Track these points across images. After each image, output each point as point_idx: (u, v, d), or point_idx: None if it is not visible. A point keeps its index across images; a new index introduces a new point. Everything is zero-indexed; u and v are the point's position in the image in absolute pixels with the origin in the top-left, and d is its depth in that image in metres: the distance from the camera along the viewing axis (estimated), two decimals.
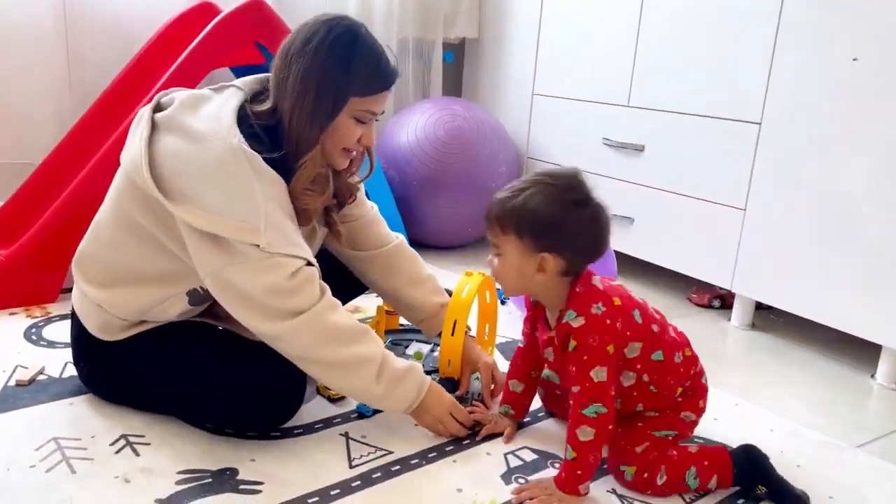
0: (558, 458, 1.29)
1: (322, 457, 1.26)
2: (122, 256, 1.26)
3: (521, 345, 1.37)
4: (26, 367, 1.50)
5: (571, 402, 1.16)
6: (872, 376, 1.83)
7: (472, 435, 1.35)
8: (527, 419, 1.42)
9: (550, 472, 1.24)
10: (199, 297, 1.27)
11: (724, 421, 1.51)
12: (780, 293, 1.97)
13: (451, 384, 1.46)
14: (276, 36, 2.00)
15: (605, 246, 1.21)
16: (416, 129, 2.52)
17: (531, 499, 1.16)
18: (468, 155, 2.49)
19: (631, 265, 2.44)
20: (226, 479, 1.17)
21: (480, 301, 1.61)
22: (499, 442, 1.35)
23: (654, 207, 2.28)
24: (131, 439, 1.26)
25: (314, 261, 1.23)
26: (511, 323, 1.94)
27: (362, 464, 1.25)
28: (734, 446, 1.28)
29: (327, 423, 1.37)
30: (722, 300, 2.26)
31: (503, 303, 2.05)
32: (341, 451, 1.28)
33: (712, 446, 1.30)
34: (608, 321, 1.16)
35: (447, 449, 1.31)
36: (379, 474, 1.22)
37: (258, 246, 1.14)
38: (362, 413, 1.39)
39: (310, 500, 1.14)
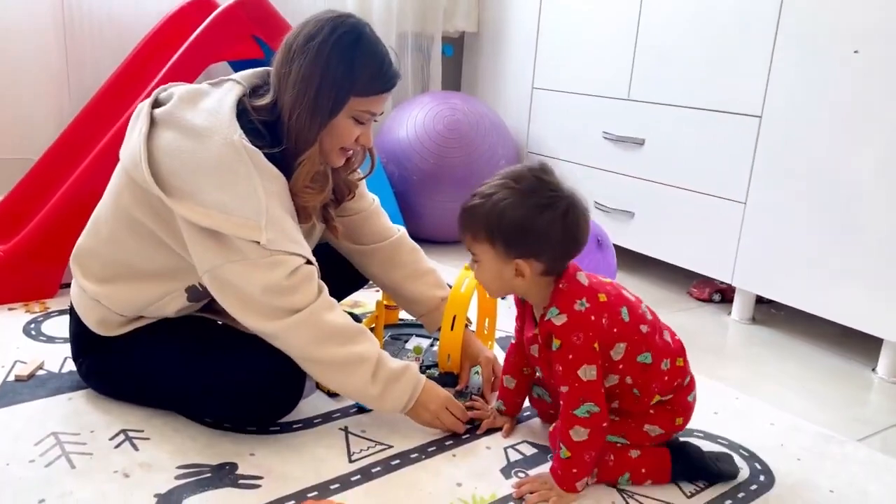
0: None
1: (321, 451, 1.26)
2: (121, 252, 1.26)
3: (513, 341, 1.37)
4: (25, 362, 1.50)
5: (562, 401, 1.14)
6: (873, 370, 1.83)
7: (471, 429, 1.35)
8: (526, 413, 1.42)
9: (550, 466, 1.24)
10: (198, 293, 1.27)
11: (724, 415, 1.50)
12: (781, 287, 1.97)
13: (450, 379, 1.46)
14: (274, 30, 2.01)
15: (581, 240, 1.15)
16: (416, 124, 2.51)
17: (531, 492, 1.16)
18: (467, 149, 2.48)
19: (631, 259, 2.44)
20: (225, 474, 1.17)
21: (480, 295, 1.60)
22: (498, 436, 1.34)
23: (655, 201, 2.28)
24: (130, 434, 1.26)
25: (313, 259, 1.22)
26: (510, 317, 1.93)
27: (362, 458, 1.24)
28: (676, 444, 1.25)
29: (326, 417, 1.37)
30: (722, 294, 2.25)
31: (503, 297, 2.05)
32: (341, 446, 1.28)
33: (656, 450, 1.22)
34: (592, 317, 1.13)
35: (447, 443, 1.30)
36: (378, 468, 1.22)
37: (258, 243, 1.13)
38: (361, 408, 1.39)
39: (309, 495, 1.14)
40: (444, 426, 1.31)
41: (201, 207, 1.13)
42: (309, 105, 1.20)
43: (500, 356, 1.60)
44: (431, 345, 1.66)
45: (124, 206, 1.22)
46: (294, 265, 1.17)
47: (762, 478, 1.29)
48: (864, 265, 1.77)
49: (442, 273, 1.59)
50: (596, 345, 1.13)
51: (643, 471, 1.21)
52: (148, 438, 1.25)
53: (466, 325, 1.49)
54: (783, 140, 1.92)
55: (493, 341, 1.67)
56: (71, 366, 1.43)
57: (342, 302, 1.74)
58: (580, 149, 2.52)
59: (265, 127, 1.23)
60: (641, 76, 2.29)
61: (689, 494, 1.22)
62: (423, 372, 1.51)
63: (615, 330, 1.15)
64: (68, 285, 1.38)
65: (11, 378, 1.43)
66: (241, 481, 1.16)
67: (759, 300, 2.15)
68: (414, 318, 1.61)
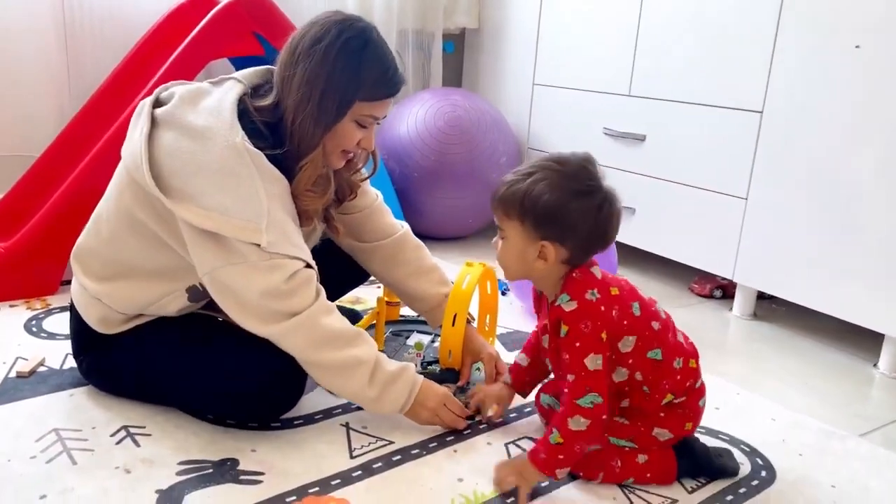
0: None
1: (323, 447, 1.26)
2: (121, 251, 1.26)
3: (536, 329, 1.34)
4: (27, 359, 1.50)
5: (566, 389, 1.13)
6: (874, 365, 1.83)
7: (471, 425, 1.35)
8: (527, 409, 1.42)
9: None
10: (199, 294, 1.27)
11: (725, 411, 1.50)
12: (782, 283, 1.97)
13: (452, 375, 1.46)
14: (275, 27, 2.01)
15: (610, 237, 1.17)
16: (417, 121, 2.51)
17: (503, 478, 1.15)
18: (468, 146, 2.48)
19: (632, 255, 2.43)
20: (227, 470, 1.17)
21: (481, 292, 1.61)
22: (500, 432, 1.34)
23: (656, 197, 2.27)
24: (132, 430, 1.26)
25: (313, 263, 1.22)
26: (512, 314, 1.94)
27: (363, 454, 1.25)
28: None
29: (327, 413, 1.37)
30: (723, 290, 2.25)
31: (504, 293, 2.05)
32: (342, 442, 1.28)
33: (664, 454, 1.22)
34: (602, 308, 1.13)
35: (448, 439, 1.30)
36: (380, 464, 1.22)
37: (259, 245, 1.13)
38: None
39: (310, 491, 1.14)
40: (444, 423, 1.31)
41: (201, 209, 1.12)
42: (313, 109, 1.20)
43: (502, 352, 1.60)
44: (433, 341, 1.66)
45: (126, 205, 1.22)
46: (293, 269, 1.17)
47: (763, 473, 1.29)
48: (865, 261, 1.77)
49: (443, 270, 1.59)
50: (604, 334, 1.13)
51: (648, 475, 1.21)
52: (149, 434, 1.25)
53: (468, 322, 1.49)
54: (784, 136, 1.92)
55: (495, 337, 1.67)
56: (72, 362, 1.43)
57: (343, 298, 1.74)
58: (581, 145, 2.48)
59: (267, 128, 1.22)
60: (642, 72, 2.28)
61: (690, 490, 1.22)
62: (424, 368, 1.51)
63: (625, 322, 1.15)
64: (69, 282, 1.38)
65: (13, 374, 1.44)
66: (242, 477, 1.16)
67: (761, 296, 2.15)
68: (415, 315, 1.62)
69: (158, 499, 1.09)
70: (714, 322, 2.07)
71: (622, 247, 2.22)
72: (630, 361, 1.17)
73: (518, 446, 1.31)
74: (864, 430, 1.50)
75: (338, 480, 1.17)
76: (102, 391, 1.37)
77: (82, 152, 1.97)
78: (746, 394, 1.60)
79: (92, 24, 2.22)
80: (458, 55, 3.09)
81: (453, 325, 1.43)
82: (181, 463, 1.18)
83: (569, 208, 1.12)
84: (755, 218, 2.01)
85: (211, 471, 1.17)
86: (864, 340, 1.91)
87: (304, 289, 1.19)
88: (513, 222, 1.15)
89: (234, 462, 1.19)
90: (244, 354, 1.25)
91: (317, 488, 1.14)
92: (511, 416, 1.41)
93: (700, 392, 1.24)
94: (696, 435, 1.28)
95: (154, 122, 1.19)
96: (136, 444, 1.23)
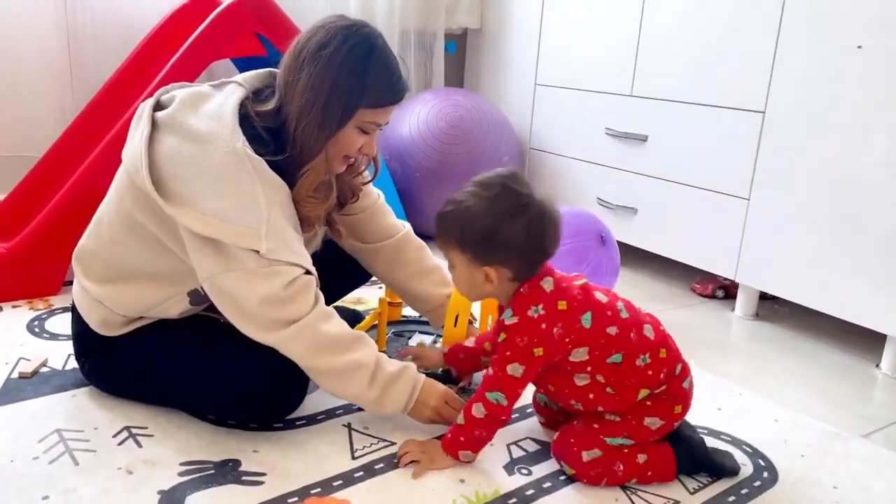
0: None
1: (324, 448, 1.26)
2: (122, 254, 1.26)
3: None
4: (29, 360, 1.50)
5: (482, 381, 1.18)
6: (877, 366, 1.83)
7: None
8: (528, 410, 1.42)
9: (553, 463, 1.24)
10: (200, 297, 1.27)
11: (727, 411, 1.50)
12: (784, 283, 1.97)
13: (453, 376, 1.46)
14: (277, 27, 2.01)
15: (548, 248, 1.17)
16: (419, 121, 2.51)
17: (406, 453, 1.21)
18: (470, 146, 2.48)
19: (634, 255, 2.43)
20: (228, 471, 1.17)
21: None
22: (502, 432, 1.34)
23: (658, 197, 2.27)
24: (134, 431, 1.26)
25: (313, 269, 1.21)
26: None
27: (365, 455, 1.25)
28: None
29: (329, 414, 1.37)
30: (725, 290, 2.25)
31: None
32: (344, 442, 1.28)
33: (660, 450, 1.23)
34: (543, 325, 1.14)
35: None
36: (381, 465, 1.22)
37: (258, 252, 1.13)
38: None
39: (312, 491, 1.14)
40: (446, 421, 1.31)
41: (201, 215, 1.12)
42: (317, 115, 1.19)
43: None
44: (434, 341, 1.66)
45: (126, 208, 1.21)
46: (292, 276, 1.16)
47: (765, 474, 1.28)
48: (868, 261, 1.77)
49: (445, 270, 1.58)
50: (538, 350, 1.14)
51: (649, 473, 1.21)
52: (151, 435, 1.26)
53: (470, 322, 1.49)
54: (787, 136, 1.91)
55: None
56: (74, 363, 1.43)
57: (345, 298, 1.74)
58: (583, 145, 2.51)
59: (268, 133, 1.21)
60: (644, 72, 2.28)
61: (692, 491, 1.22)
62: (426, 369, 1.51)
63: (569, 339, 1.15)
64: (71, 283, 1.38)
65: (15, 375, 1.44)
66: (244, 478, 1.16)
67: (763, 296, 2.15)
68: (417, 315, 1.62)
69: (160, 499, 1.09)
70: (716, 322, 2.07)
71: (624, 247, 2.22)
72: (589, 369, 1.18)
73: (520, 447, 1.31)
74: (866, 430, 1.50)
75: (340, 481, 1.17)
76: (104, 392, 1.37)
77: (84, 153, 1.97)
78: (748, 394, 1.59)
79: (94, 24, 2.23)
80: (460, 55, 3.09)
81: (455, 325, 1.43)
82: (183, 464, 1.18)
83: (500, 232, 1.13)
84: (757, 218, 2.01)
85: (213, 471, 1.17)
86: (867, 341, 1.91)
87: (303, 295, 1.18)
88: (455, 252, 1.18)
89: (236, 463, 1.19)
90: (246, 356, 1.25)
91: (319, 489, 1.14)
92: (514, 416, 1.41)
93: (682, 376, 1.23)
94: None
95: (155, 125, 1.19)
96: (138, 444, 1.23)
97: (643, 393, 1.19)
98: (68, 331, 1.43)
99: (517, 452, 1.29)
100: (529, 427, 1.38)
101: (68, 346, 1.50)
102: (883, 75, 1.70)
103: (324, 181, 1.25)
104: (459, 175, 2.50)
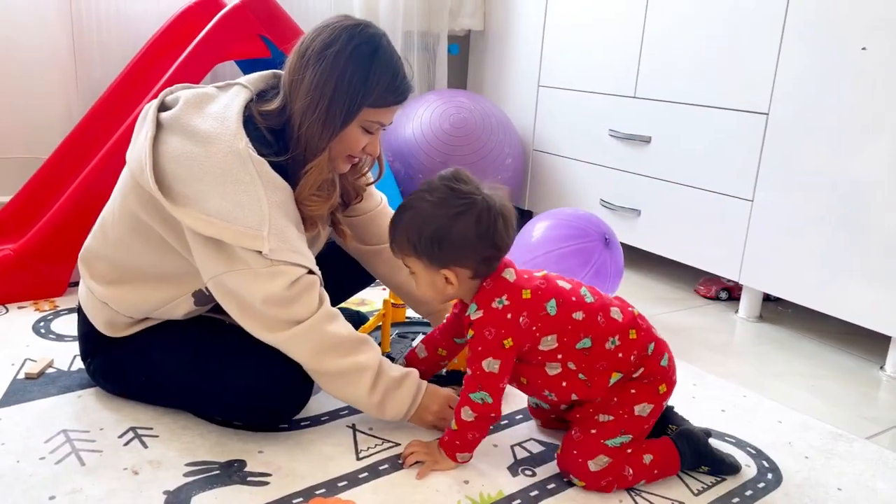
0: None
1: (329, 449, 1.26)
2: (128, 255, 1.26)
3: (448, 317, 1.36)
4: (35, 361, 1.51)
5: (464, 383, 1.18)
6: (881, 368, 1.82)
7: None
8: None
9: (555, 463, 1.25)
10: (205, 298, 1.27)
11: (731, 413, 1.50)
12: (788, 285, 1.97)
13: (457, 376, 1.46)
14: (282, 29, 2.01)
15: (500, 242, 1.16)
16: (422, 122, 2.51)
17: (410, 454, 1.22)
18: (474, 147, 2.48)
19: (638, 257, 2.43)
20: (234, 471, 1.18)
21: None
22: (506, 434, 1.35)
23: (661, 199, 2.27)
24: (140, 432, 1.27)
25: (316, 269, 1.22)
26: None
27: (369, 455, 1.25)
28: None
29: (334, 415, 1.37)
30: (729, 292, 2.25)
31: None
32: (348, 443, 1.28)
33: (665, 448, 1.23)
34: (508, 315, 1.15)
35: None
36: (386, 466, 1.22)
37: (260, 252, 1.13)
38: None
39: (317, 492, 1.14)
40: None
41: (204, 215, 1.12)
42: (321, 114, 1.20)
43: None
44: None
45: (131, 208, 1.22)
46: (295, 276, 1.17)
47: (770, 475, 1.29)
48: (872, 262, 1.77)
49: None
50: (507, 342, 1.15)
51: (656, 472, 1.22)
52: (157, 436, 1.26)
53: None
54: (790, 138, 1.91)
55: None
56: (80, 364, 1.43)
57: (349, 300, 1.75)
58: (586, 146, 2.51)
59: (272, 133, 1.22)
60: (648, 74, 2.28)
61: (696, 492, 1.22)
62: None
63: (535, 327, 1.16)
64: (77, 284, 1.39)
65: (21, 376, 1.44)
66: (249, 479, 1.16)
67: (767, 298, 2.15)
68: (421, 317, 1.62)
69: (166, 500, 1.09)
70: (720, 324, 2.07)
71: (628, 248, 2.22)
72: (559, 356, 1.18)
73: (524, 448, 1.31)
74: (870, 432, 1.50)
75: (344, 482, 1.17)
76: (110, 393, 1.38)
77: (90, 155, 1.98)
78: (753, 396, 1.59)
79: (99, 27, 2.23)
80: (463, 57, 3.09)
81: None
82: (189, 464, 1.19)
83: (450, 234, 1.14)
84: (761, 220, 2.01)
85: (218, 472, 1.17)
86: (871, 343, 1.91)
87: (307, 295, 1.19)
88: (412, 260, 1.19)
89: (242, 463, 1.20)
90: (250, 358, 1.25)
91: (323, 490, 1.15)
92: (517, 418, 1.41)
93: (656, 354, 1.21)
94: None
95: (159, 125, 1.19)
96: (144, 445, 1.23)
97: (615, 377, 1.19)
98: (74, 332, 1.43)
99: (521, 454, 1.29)
100: (532, 428, 1.38)
101: (74, 347, 1.51)
102: (887, 77, 1.70)
103: (327, 180, 1.26)
104: None
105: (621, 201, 2.39)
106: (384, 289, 1.79)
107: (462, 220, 1.14)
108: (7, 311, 1.78)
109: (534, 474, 1.23)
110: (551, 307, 1.17)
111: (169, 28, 2.19)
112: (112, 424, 1.29)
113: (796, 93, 1.89)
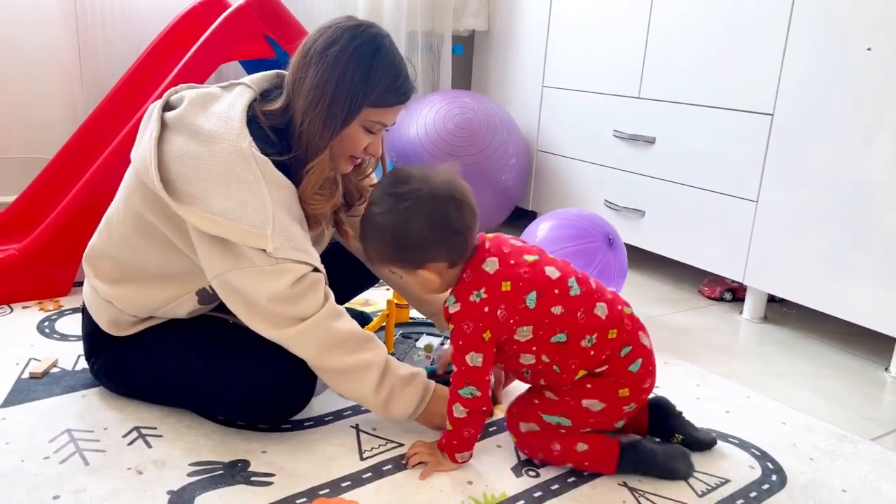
0: None
1: (333, 449, 1.26)
2: (133, 254, 1.26)
3: None
4: (39, 360, 1.51)
5: (451, 380, 1.18)
6: (886, 369, 1.82)
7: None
8: None
9: (561, 466, 1.24)
10: (209, 296, 1.28)
11: (735, 414, 1.50)
12: (793, 286, 1.96)
13: None
14: (286, 29, 2.02)
15: (460, 224, 1.15)
16: (426, 123, 2.51)
17: (414, 454, 1.22)
18: (478, 147, 2.48)
19: (642, 258, 2.43)
20: (238, 471, 1.18)
21: None
22: (510, 435, 1.34)
23: (665, 200, 2.27)
24: (144, 431, 1.27)
25: (321, 266, 1.22)
26: None
27: (373, 456, 1.25)
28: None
29: (338, 415, 1.37)
30: (733, 293, 2.24)
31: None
32: (352, 444, 1.28)
33: (606, 446, 1.22)
34: (486, 309, 1.15)
35: None
36: (390, 466, 1.22)
37: (265, 251, 1.13)
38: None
39: (321, 492, 1.14)
40: None
41: (209, 214, 1.13)
42: (322, 112, 1.20)
43: None
44: (442, 343, 1.66)
45: (135, 207, 1.22)
46: (299, 273, 1.17)
47: (774, 477, 1.28)
48: (876, 263, 1.76)
49: None
50: (486, 334, 1.15)
51: (586, 463, 1.22)
52: (161, 436, 1.26)
53: None
54: (795, 138, 1.91)
55: None
56: (84, 363, 1.44)
57: (353, 300, 1.75)
58: (590, 147, 2.51)
59: (275, 133, 1.22)
60: (652, 74, 2.28)
61: (700, 493, 1.21)
62: (446, 374, 1.51)
63: (513, 320, 1.15)
64: (81, 284, 1.39)
65: (26, 376, 1.45)
66: (253, 479, 1.16)
67: (771, 299, 2.14)
68: (425, 317, 1.62)
69: (170, 499, 1.10)
70: (724, 325, 2.06)
71: (632, 249, 2.22)
72: (533, 348, 1.18)
73: None
74: (875, 433, 1.49)
75: (348, 482, 1.17)
76: (114, 392, 1.38)
77: (95, 154, 1.99)
78: (757, 397, 1.59)
79: (104, 27, 2.24)
80: (468, 57, 3.09)
81: None
82: (192, 464, 1.19)
83: (408, 237, 1.15)
84: (766, 221, 2.00)
85: (222, 472, 1.17)
86: (876, 344, 1.90)
87: (312, 293, 1.19)
88: (394, 267, 1.21)
89: (245, 463, 1.20)
90: (254, 357, 1.25)
91: (327, 490, 1.15)
92: None
93: (629, 358, 1.19)
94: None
95: (164, 125, 1.20)
96: (148, 445, 1.23)
97: (581, 373, 1.19)
98: (78, 331, 1.44)
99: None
100: None
101: (78, 347, 1.51)
102: (892, 77, 1.70)
103: (329, 178, 1.26)
104: (467, 177, 2.50)
105: (625, 202, 2.39)
106: (388, 289, 1.80)
107: (413, 220, 1.14)
108: (11, 310, 1.78)
109: (537, 475, 1.23)
110: (531, 300, 1.16)
111: (173, 28, 2.20)
112: (116, 424, 1.29)
113: (801, 93, 1.89)
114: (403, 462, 1.23)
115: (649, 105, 2.29)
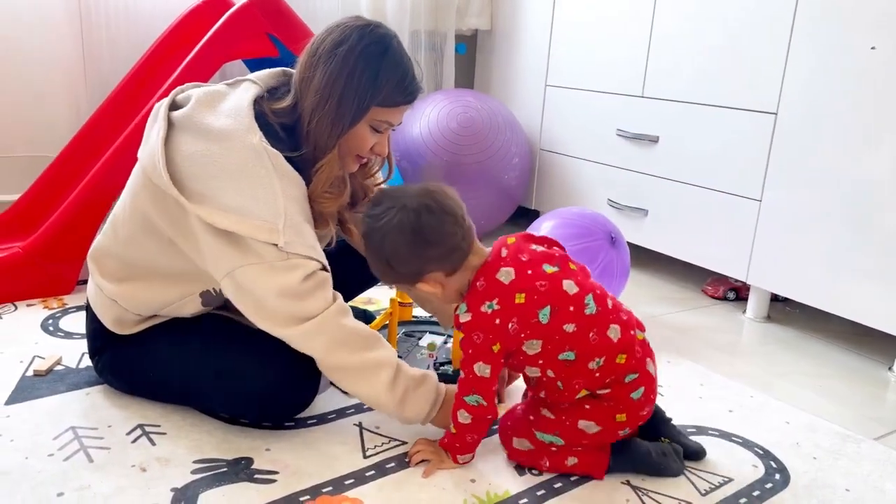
0: None
1: (336, 447, 1.26)
2: (138, 253, 1.27)
3: None
4: (44, 358, 1.51)
5: (458, 385, 1.18)
6: (890, 369, 1.82)
7: None
8: None
9: None
10: (213, 298, 1.28)
11: (738, 413, 1.50)
12: (796, 285, 1.96)
13: None
14: (289, 28, 2.02)
15: (437, 235, 1.14)
16: (429, 122, 2.51)
17: (417, 452, 1.23)
18: (481, 146, 2.48)
19: (645, 257, 2.43)
20: (241, 469, 1.18)
21: None
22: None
23: (669, 199, 2.27)
24: (147, 429, 1.28)
25: (328, 266, 1.22)
26: None
27: (376, 454, 1.25)
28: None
29: (341, 413, 1.37)
30: (737, 292, 2.24)
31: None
32: (355, 442, 1.29)
33: (593, 456, 1.21)
34: (497, 321, 1.13)
35: None
36: (393, 464, 1.22)
37: (276, 245, 1.13)
38: None
39: (324, 490, 1.14)
40: None
41: (220, 210, 1.13)
42: (330, 111, 1.20)
43: None
44: (445, 342, 1.67)
45: (141, 207, 1.22)
46: (310, 269, 1.17)
47: (777, 476, 1.28)
48: (880, 263, 1.76)
49: None
50: (496, 346, 1.14)
51: (575, 471, 1.22)
52: (164, 433, 1.27)
53: None
54: (799, 137, 1.91)
55: None
56: (88, 361, 1.44)
57: (356, 298, 1.75)
58: (594, 146, 2.51)
59: (284, 130, 1.23)
60: (656, 73, 2.28)
61: (703, 492, 1.21)
62: (436, 369, 1.52)
63: (524, 334, 1.14)
64: (85, 282, 1.39)
65: (30, 373, 1.45)
66: (256, 476, 1.16)
67: (775, 298, 2.14)
68: (428, 315, 1.62)
69: (174, 497, 1.10)
70: (727, 324, 2.06)
71: (635, 248, 2.21)
72: (540, 362, 1.17)
73: None
74: (878, 433, 1.49)
75: (351, 480, 1.17)
76: (118, 390, 1.38)
77: (98, 153, 1.99)
78: (760, 396, 1.59)
79: (108, 25, 2.24)
80: (471, 56, 3.09)
81: None
82: (196, 462, 1.19)
83: (390, 255, 1.16)
84: (769, 220, 2.00)
85: (225, 470, 1.18)
86: (879, 343, 1.90)
87: (322, 290, 1.19)
88: (398, 285, 1.22)
89: (249, 461, 1.20)
90: (257, 355, 1.25)
91: (330, 488, 1.15)
92: None
93: (631, 386, 1.18)
94: (709, 438, 1.28)
95: (171, 124, 1.20)
96: (152, 442, 1.24)
97: (582, 392, 1.19)
98: (82, 329, 1.44)
99: None
100: None
101: (82, 345, 1.52)
102: None
103: (338, 177, 1.26)
104: (469, 176, 2.53)
105: (628, 201, 2.39)
106: (391, 287, 1.79)
107: (387, 239, 1.14)
108: (16, 308, 1.79)
109: (540, 473, 1.23)
110: (544, 315, 1.14)
111: (177, 26, 2.20)
112: (120, 421, 1.29)
113: (805, 92, 1.88)
114: (406, 460, 1.23)
115: (653, 104, 2.29)
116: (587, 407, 1.19)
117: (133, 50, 2.22)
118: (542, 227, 1.93)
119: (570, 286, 1.16)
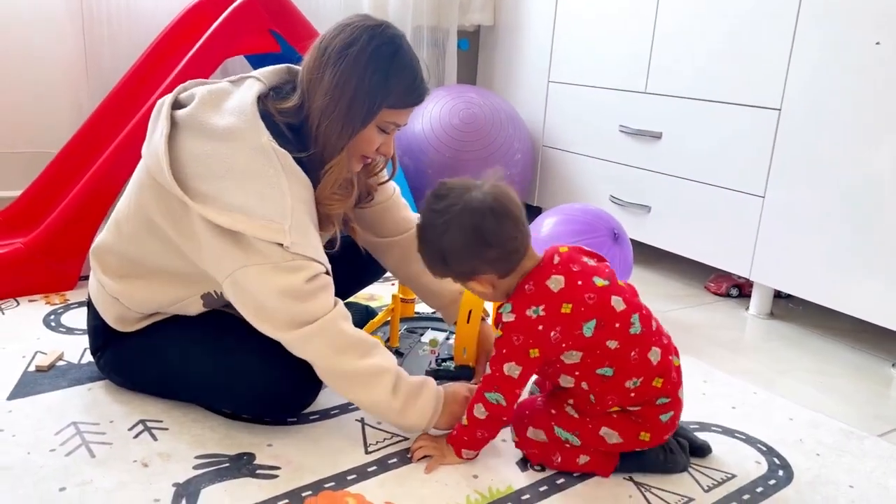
0: None
1: (338, 442, 1.26)
2: (140, 250, 1.26)
3: None
4: (45, 353, 1.51)
5: (482, 380, 1.18)
6: (893, 365, 1.81)
7: None
8: None
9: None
10: (214, 300, 1.27)
11: (742, 410, 1.50)
12: (799, 281, 1.95)
13: (466, 372, 1.46)
14: (292, 24, 2.02)
15: (498, 238, 1.12)
16: (431, 118, 2.51)
17: (419, 448, 1.22)
18: (483, 143, 2.48)
19: (648, 253, 2.42)
20: (243, 464, 1.18)
21: None
22: (512, 431, 1.34)
23: (672, 195, 2.26)
24: (149, 424, 1.27)
25: (331, 271, 1.21)
26: None
27: (378, 449, 1.25)
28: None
29: (343, 408, 1.37)
30: (740, 289, 2.24)
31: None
32: (357, 437, 1.28)
33: (606, 462, 1.21)
34: (540, 327, 1.11)
35: None
36: (395, 460, 1.22)
37: (282, 245, 1.12)
38: None
39: (326, 485, 1.14)
40: None
41: (225, 209, 1.12)
42: (341, 114, 1.19)
43: None
44: (447, 338, 1.66)
45: (144, 205, 1.21)
46: (314, 271, 1.16)
47: (781, 473, 1.28)
48: (884, 259, 1.75)
49: None
50: (534, 352, 1.13)
51: (582, 471, 1.22)
52: (167, 429, 1.26)
53: (483, 319, 1.49)
54: (802, 133, 1.90)
55: None
56: (90, 357, 1.44)
57: (358, 294, 1.75)
58: (596, 142, 2.50)
59: (290, 130, 1.22)
60: (659, 69, 2.27)
61: (706, 488, 1.21)
62: (439, 365, 1.51)
63: (565, 344, 1.13)
64: (87, 277, 1.39)
65: (32, 369, 1.45)
66: (258, 471, 1.16)
67: (778, 295, 2.14)
68: (430, 311, 1.61)
69: (175, 492, 1.10)
70: (730, 321, 2.06)
71: (637, 245, 2.21)
72: (576, 373, 1.16)
73: None
74: (882, 430, 1.49)
75: (353, 475, 1.17)
76: (120, 386, 1.38)
77: (100, 149, 1.99)
78: (763, 393, 1.59)
79: (110, 21, 2.24)
80: (473, 52, 3.08)
81: (468, 321, 1.43)
82: (198, 457, 1.19)
83: (446, 252, 1.14)
84: (772, 216, 1.99)
85: (227, 465, 1.17)
86: (883, 340, 1.90)
87: (324, 293, 1.18)
88: (450, 279, 1.21)
89: (251, 456, 1.20)
90: (261, 352, 1.25)
91: (332, 483, 1.15)
92: None
93: (663, 408, 1.17)
94: (712, 434, 1.27)
95: (174, 124, 1.19)
96: (154, 437, 1.24)
97: (614, 408, 1.18)
98: (84, 325, 1.44)
99: None
100: None
101: (84, 340, 1.52)
102: None
103: (346, 179, 1.25)
104: (472, 172, 2.51)
105: (631, 197, 2.38)
106: (393, 283, 1.79)
107: (447, 235, 1.13)
108: (18, 304, 1.79)
109: (543, 469, 1.23)
110: (588, 328, 1.12)
111: (179, 22, 2.20)
112: (122, 417, 1.29)
113: (809, 88, 1.88)
114: (408, 455, 1.23)
115: (656, 100, 2.28)
116: (614, 416, 1.18)
117: (134, 46, 2.22)
118: (545, 223, 1.93)
119: (618, 302, 1.15)
